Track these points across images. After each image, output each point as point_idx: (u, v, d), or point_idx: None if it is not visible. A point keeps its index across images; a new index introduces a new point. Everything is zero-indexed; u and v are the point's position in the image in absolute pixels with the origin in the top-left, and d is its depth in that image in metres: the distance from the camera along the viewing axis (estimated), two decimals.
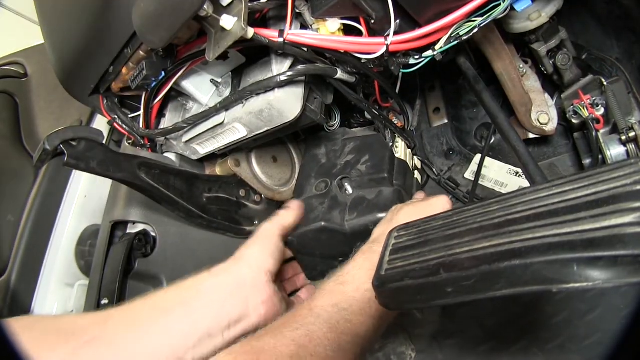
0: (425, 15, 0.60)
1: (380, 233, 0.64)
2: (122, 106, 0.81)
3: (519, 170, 0.92)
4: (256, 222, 0.88)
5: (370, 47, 0.62)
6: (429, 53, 0.66)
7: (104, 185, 0.94)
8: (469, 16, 0.62)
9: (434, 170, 0.97)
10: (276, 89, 0.66)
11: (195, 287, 0.60)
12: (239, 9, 0.53)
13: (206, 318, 0.56)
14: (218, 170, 0.87)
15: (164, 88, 0.73)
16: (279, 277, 0.73)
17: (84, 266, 0.94)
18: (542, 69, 0.83)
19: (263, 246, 0.65)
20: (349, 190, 0.79)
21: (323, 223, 0.73)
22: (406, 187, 0.80)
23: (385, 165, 0.78)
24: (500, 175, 0.94)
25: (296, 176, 0.96)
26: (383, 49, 0.61)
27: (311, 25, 0.64)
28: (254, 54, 0.73)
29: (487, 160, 0.94)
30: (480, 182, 0.94)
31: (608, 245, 0.29)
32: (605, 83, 0.75)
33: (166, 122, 0.82)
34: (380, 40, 0.61)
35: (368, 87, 0.81)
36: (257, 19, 0.63)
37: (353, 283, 0.54)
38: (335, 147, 0.87)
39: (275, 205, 0.92)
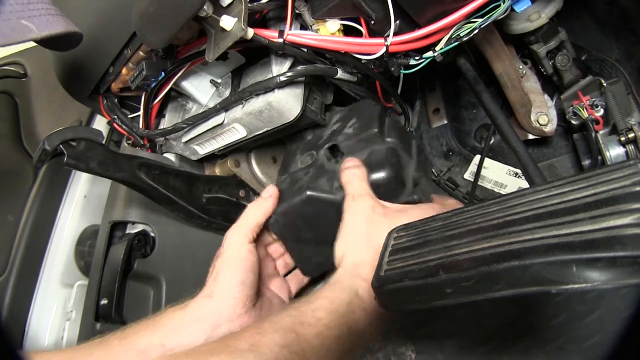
0: (425, 16, 0.60)
1: (352, 256, 0.55)
2: (122, 106, 0.82)
3: (519, 171, 0.92)
4: None
5: (370, 47, 0.62)
6: (429, 54, 0.66)
7: (103, 185, 0.94)
8: (468, 17, 0.62)
9: (434, 171, 0.97)
10: (276, 90, 0.66)
11: (170, 325, 0.56)
12: (239, 9, 0.53)
13: None
14: (218, 171, 0.87)
15: (164, 88, 0.73)
16: (265, 271, 0.68)
17: (83, 266, 0.94)
18: (542, 70, 0.83)
19: (232, 273, 0.59)
20: (338, 156, 0.70)
21: (308, 192, 0.64)
22: (403, 146, 0.70)
23: (374, 121, 0.69)
24: (499, 176, 0.94)
25: None
26: (383, 50, 0.61)
27: (311, 26, 0.64)
28: (254, 54, 0.73)
29: (487, 161, 0.94)
30: (479, 183, 0.94)
31: (607, 246, 0.29)
32: (604, 84, 0.75)
33: (166, 123, 0.82)
34: (380, 40, 0.61)
35: (370, 87, 0.81)
36: (257, 19, 0.63)
37: (315, 326, 0.46)
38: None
39: None
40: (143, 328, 0.56)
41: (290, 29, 0.59)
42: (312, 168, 0.69)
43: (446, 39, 0.64)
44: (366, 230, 0.56)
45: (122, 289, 0.79)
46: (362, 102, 0.77)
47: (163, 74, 0.69)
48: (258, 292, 0.62)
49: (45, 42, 0.52)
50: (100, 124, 1.03)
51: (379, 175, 0.63)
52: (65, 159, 0.60)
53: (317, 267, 0.71)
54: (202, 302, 0.57)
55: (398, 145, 0.68)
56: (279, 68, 0.67)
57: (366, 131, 0.68)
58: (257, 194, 0.88)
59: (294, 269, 0.74)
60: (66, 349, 0.67)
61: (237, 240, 0.62)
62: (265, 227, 0.68)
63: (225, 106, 0.70)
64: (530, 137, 0.88)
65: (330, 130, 0.75)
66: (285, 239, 0.68)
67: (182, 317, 0.57)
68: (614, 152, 0.73)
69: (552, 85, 0.87)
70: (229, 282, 0.58)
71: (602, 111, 0.76)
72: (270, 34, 0.59)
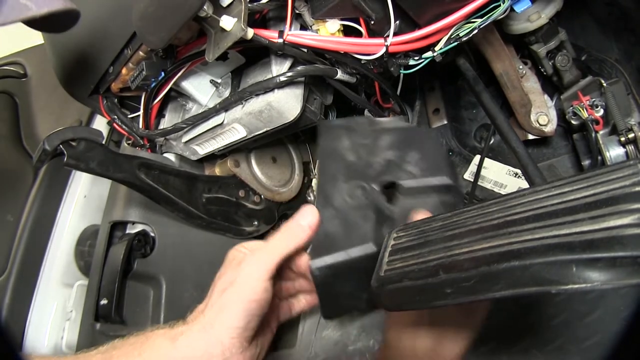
0: (424, 16, 0.60)
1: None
2: (122, 106, 0.82)
3: (518, 171, 0.92)
4: (255, 223, 0.88)
5: (369, 48, 0.62)
6: (429, 54, 0.66)
7: (103, 185, 0.94)
8: (468, 17, 0.62)
9: None
10: (276, 90, 0.66)
11: (156, 358, 0.50)
12: (239, 9, 0.53)
13: None
14: (217, 171, 0.87)
15: (164, 88, 0.73)
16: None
17: (83, 266, 0.94)
18: (542, 70, 0.83)
19: (240, 312, 0.50)
20: (394, 196, 0.60)
21: (375, 247, 0.52)
22: (461, 195, 0.63)
23: (445, 167, 0.60)
24: (499, 176, 0.94)
25: (296, 177, 0.95)
26: (383, 50, 0.61)
27: (311, 26, 0.64)
28: (254, 54, 0.73)
29: (487, 161, 0.94)
30: (479, 183, 0.94)
31: (607, 246, 0.29)
32: (604, 84, 0.75)
33: (166, 123, 0.82)
34: (380, 41, 0.61)
35: (369, 88, 0.81)
36: (256, 19, 0.63)
37: None
38: (364, 140, 0.66)
39: (275, 205, 0.92)
40: (130, 352, 0.50)
41: (290, 29, 0.59)
42: (370, 211, 0.57)
43: (446, 39, 0.64)
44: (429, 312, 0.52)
45: (122, 289, 0.79)
46: (419, 131, 0.67)
47: (163, 74, 0.69)
48: (260, 329, 0.55)
49: (44, 22, 0.50)
50: (100, 124, 1.03)
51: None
52: (65, 159, 0.60)
53: (343, 310, 0.62)
54: (196, 336, 0.51)
55: (459, 194, 0.61)
56: (279, 68, 0.67)
57: (435, 176, 0.59)
58: (257, 194, 0.88)
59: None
60: (51, 358, 0.63)
61: (256, 274, 0.52)
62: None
63: (225, 106, 0.70)
64: (530, 137, 0.88)
65: (382, 157, 0.63)
66: (324, 287, 0.55)
67: (170, 350, 0.50)
68: (614, 152, 0.73)
69: (552, 85, 0.87)
70: (233, 321, 0.51)
71: (602, 111, 0.76)
72: (270, 34, 0.59)
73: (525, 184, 0.88)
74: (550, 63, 0.80)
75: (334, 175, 0.63)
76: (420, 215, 0.56)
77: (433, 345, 0.51)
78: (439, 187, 0.58)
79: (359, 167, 0.63)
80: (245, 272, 0.52)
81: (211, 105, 0.74)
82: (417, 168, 0.60)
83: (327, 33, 0.62)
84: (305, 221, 0.55)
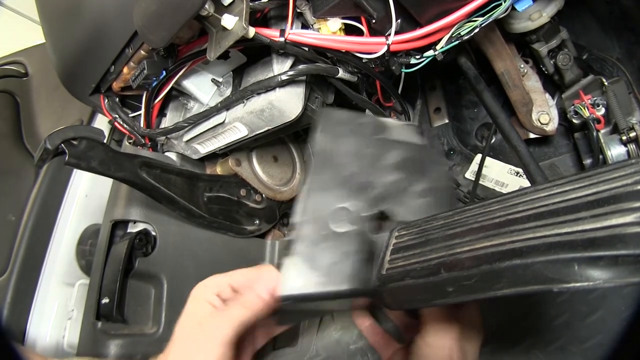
0: (426, 15, 0.60)
1: None
2: (123, 105, 0.82)
3: (520, 170, 0.92)
4: (257, 222, 0.88)
5: (371, 46, 0.62)
6: (430, 53, 0.66)
7: (104, 184, 0.94)
8: (470, 16, 0.62)
9: None
10: (277, 89, 0.66)
11: None
12: (240, 8, 0.53)
13: None
14: (219, 170, 0.87)
15: (165, 87, 0.73)
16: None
17: (84, 265, 0.94)
18: (543, 69, 0.83)
19: None
20: (384, 224, 0.53)
21: (346, 286, 0.48)
22: None
23: (448, 206, 0.55)
24: (501, 175, 0.94)
25: (297, 175, 0.95)
26: (384, 49, 0.61)
27: (312, 25, 0.64)
28: (255, 53, 0.73)
29: (488, 160, 0.94)
30: (480, 182, 0.94)
31: (609, 244, 0.29)
32: (606, 83, 0.75)
33: (167, 122, 0.82)
34: (382, 39, 0.61)
35: (370, 87, 0.81)
36: (258, 18, 0.63)
37: None
38: (370, 149, 0.60)
39: (277, 204, 0.92)
40: None
41: (291, 28, 0.59)
42: (358, 243, 0.51)
43: (447, 37, 0.64)
44: None
45: (123, 287, 0.79)
46: (431, 154, 0.60)
47: (164, 73, 0.69)
48: None
49: None
50: (101, 123, 1.03)
51: None
52: (66, 158, 0.60)
53: (297, 320, 0.60)
54: None
55: None
56: (280, 67, 0.67)
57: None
58: (258, 193, 0.88)
59: None
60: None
61: (210, 346, 0.47)
62: None
63: (226, 105, 0.70)
64: (532, 136, 0.88)
65: (386, 178, 0.56)
66: (285, 309, 0.52)
67: None
68: (615, 151, 0.73)
69: (553, 84, 0.87)
70: None
71: (603, 110, 0.76)
72: (272, 33, 0.59)
73: (526, 183, 0.88)
74: (551, 62, 0.80)
75: (326, 183, 0.56)
76: None
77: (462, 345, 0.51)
78: None
79: (358, 183, 0.56)
80: (201, 342, 0.48)
81: (212, 104, 0.74)
82: (420, 201, 0.54)
83: (329, 32, 0.62)
84: (262, 289, 0.49)
